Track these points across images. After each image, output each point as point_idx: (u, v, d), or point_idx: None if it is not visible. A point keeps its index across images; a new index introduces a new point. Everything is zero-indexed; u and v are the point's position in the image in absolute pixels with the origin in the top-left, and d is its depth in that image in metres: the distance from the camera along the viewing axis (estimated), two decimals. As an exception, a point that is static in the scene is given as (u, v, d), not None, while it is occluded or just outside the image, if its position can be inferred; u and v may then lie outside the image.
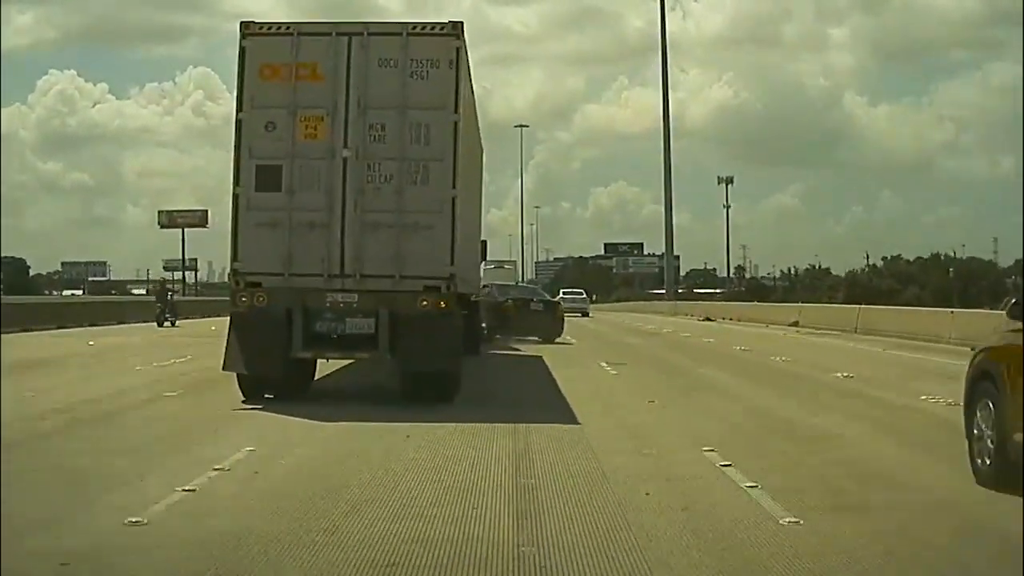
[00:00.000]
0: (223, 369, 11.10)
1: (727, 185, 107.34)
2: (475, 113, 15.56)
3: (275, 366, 10.99)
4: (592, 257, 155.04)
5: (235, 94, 11.15)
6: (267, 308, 10.94)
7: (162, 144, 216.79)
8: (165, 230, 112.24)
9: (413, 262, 10.95)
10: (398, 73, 11.03)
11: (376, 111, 11.02)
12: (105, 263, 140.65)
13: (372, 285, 10.99)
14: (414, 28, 11.19)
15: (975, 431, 6.85)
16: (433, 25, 11.20)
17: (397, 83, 10.99)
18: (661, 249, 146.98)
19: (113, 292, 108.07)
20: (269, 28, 11.33)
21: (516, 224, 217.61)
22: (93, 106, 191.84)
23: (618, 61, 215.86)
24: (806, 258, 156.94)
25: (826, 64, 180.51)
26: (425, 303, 10.88)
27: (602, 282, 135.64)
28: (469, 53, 12.13)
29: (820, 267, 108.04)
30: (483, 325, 21.76)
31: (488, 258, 29.89)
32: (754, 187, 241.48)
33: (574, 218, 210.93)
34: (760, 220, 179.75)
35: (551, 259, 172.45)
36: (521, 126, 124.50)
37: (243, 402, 10.92)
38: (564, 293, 59.85)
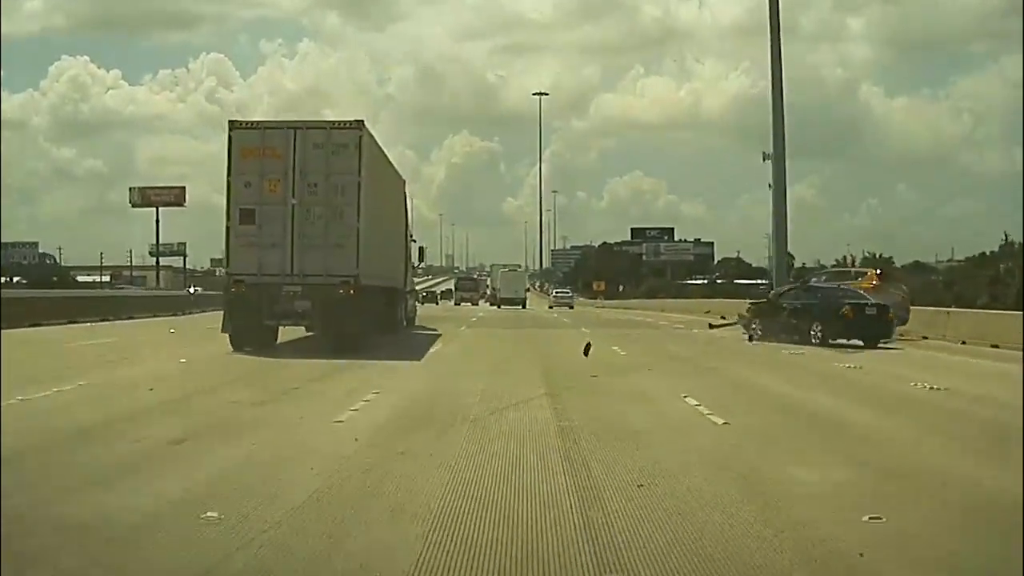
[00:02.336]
0: (221, 331, 18.68)
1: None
2: (388, 164, 23.34)
3: (252, 330, 18.57)
4: (618, 243, 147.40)
5: (226, 164, 18.68)
6: (247, 295, 18.51)
7: (176, 131, 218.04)
8: (137, 209, 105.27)
9: (334, 267, 18.51)
10: (324, 152, 18.61)
11: (311, 175, 18.59)
12: (34, 245, 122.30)
13: (309, 281, 18.56)
14: (333, 124, 18.83)
15: None
16: (345, 122, 18.75)
17: (323, 159, 18.57)
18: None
19: (54, 280, 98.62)
20: (246, 124, 18.97)
21: (532, 212, 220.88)
22: (106, 92, 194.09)
23: (634, 50, 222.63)
24: (823, 250, 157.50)
25: (843, 55, 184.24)
26: (341, 291, 18.38)
27: (631, 271, 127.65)
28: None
29: (879, 257, 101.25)
30: (409, 309, 30.05)
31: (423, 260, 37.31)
32: (767, 178, 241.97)
33: (590, 208, 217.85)
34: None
35: (568, 247, 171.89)
36: (540, 94, 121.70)
37: (231, 352, 18.37)
38: (556, 292, 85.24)
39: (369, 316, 20.00)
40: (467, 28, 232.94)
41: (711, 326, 32.38)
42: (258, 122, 19.10)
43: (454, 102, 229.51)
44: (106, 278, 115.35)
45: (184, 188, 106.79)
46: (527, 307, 67.80)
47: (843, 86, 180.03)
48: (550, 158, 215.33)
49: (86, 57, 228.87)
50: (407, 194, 28.27)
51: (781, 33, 29.84)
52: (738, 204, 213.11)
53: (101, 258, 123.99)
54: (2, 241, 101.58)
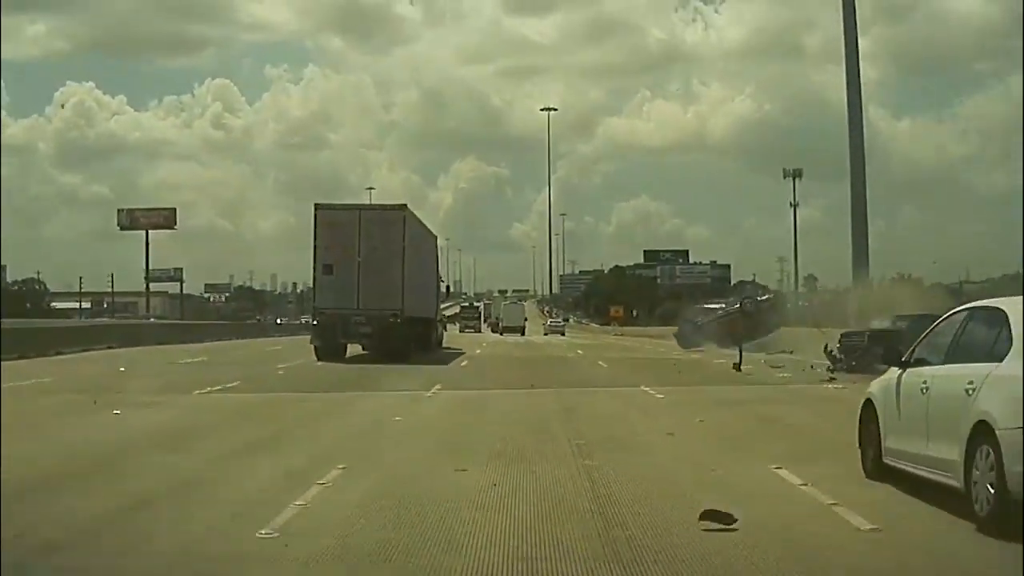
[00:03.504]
0: (311, 343, 28.11)
1: (794, 180, 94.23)
2: (424, 228, 33.45)
3: (331, 346, 27.99)
4: (632, 267, 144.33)
5: (312, 236, 28.09)
6: (327, 321, 27.95)
7: (181, 157, 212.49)
8: (126, 232, 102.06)
9: (386, 303, 28.14)
10: (379, 226, 28.23)
11: (370, 241, 28.15)
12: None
13: (370, 313, 28.18)
14: (385, 207, 28.60)
15: None
16: (393, 206, 28.53)
17: (378, 231, 28.30)
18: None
19: (27, 307, 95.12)
20: (327, 206, 28.57)
21: (538, 237, 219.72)
22: (111, 118, 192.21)
23: (639, 73, 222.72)
24: (833, 271, 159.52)
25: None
26: (391, 319, 27.74)
27: (646, 295, 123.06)
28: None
29: (909, 276, 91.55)
30: (439, 333, 40.02)
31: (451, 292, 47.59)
32: (776, 200, 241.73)
33: (598, 232, 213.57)
34: (783, 234, 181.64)
35: (576, 272, 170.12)
36: (548, 109, 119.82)
37: (317, 360, 27.65)
38: (550, 322, 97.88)
39: (411, 337, 29.66)
40: (472, 51, 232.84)
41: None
42: (335, 204, 28.84)
43: (460, 126, 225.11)
44: (87, 305, 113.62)
45: (175, 210, 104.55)
46: (525, 334, 78.05)
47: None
48: (557, 183, 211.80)
49: (91, 83, 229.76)
50: (438, 246, 37.80)
51: (860, 68, 25.70)
52: (746, 227, 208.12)
53: (80, 283, 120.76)
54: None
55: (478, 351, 39.72)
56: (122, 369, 23.55)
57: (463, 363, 29.78)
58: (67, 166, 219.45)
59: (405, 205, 29.63)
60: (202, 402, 17.04)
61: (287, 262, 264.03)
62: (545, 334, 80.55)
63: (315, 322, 29.00)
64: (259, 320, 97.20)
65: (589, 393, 19.07)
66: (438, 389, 19.44)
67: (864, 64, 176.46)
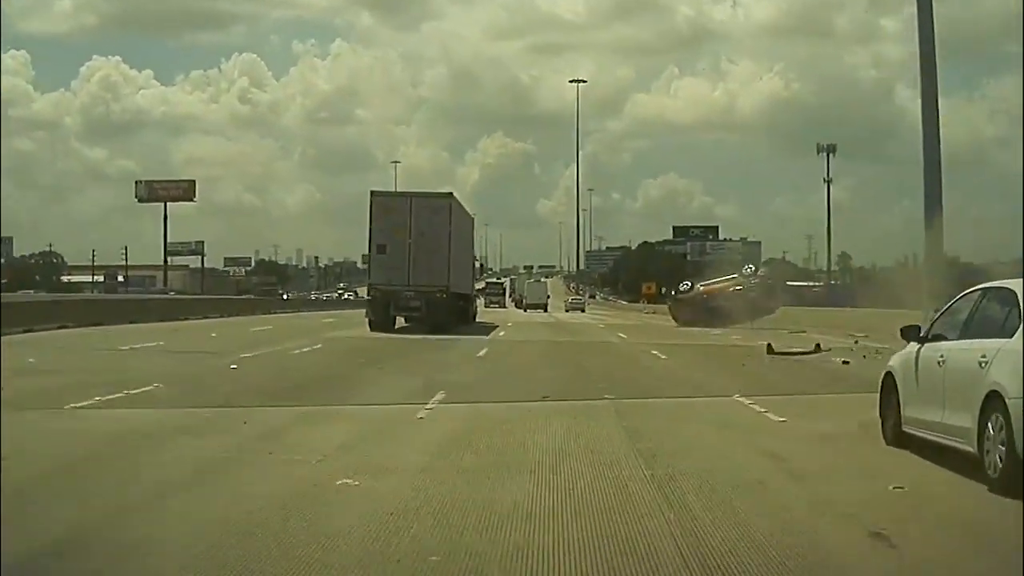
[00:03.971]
0: (366, 316, 31.45)
1: (828, 155, 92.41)
2: (465, 213, 36.25)
3: (384, 319, 31.31)
4: (660, 243, 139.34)
5: (368, 219, 31.34)
6: (380, 296, 31.21)
7: (208, 131, 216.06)
8: (150, 205, 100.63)
9: (434, 280, 31.05)
10: (428, 211, 31.25)
11: (420, 225, 31.17)
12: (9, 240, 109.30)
13: (420, 288, 31.09)
14: (432, 195, 31.62)
15: None
16: (441, 194, 31.62)
17: (427, 216, 31.22)
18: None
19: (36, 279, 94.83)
20: (382, 193, 31.78)
21: (565, 213, 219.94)
22: (138, 92, 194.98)
23: (668, 51, 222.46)
24: (857, 249, 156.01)
25: (877, 56, 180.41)
26: (438, 295, 31.01)
27: (674, 271, 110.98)
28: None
29: (944, 256, 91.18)
30: (474, 308, 42.69)
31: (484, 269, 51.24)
32: (805, 179, 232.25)
33: (624, 209, 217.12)
34: (812, 213, 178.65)
35: (604, 248, 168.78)
36: (577, 81, 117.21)
37: (371, 331, 30.94)
38: (571, 299, 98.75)
39: (454, 311, 32.68)
40: (500, 27, 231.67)
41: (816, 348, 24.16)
42: (389, 192, 32.05)
43: (488, 102, 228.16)
44: (99, 278, 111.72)
45: (194, 182, 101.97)
46: (548, 310, 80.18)
47: (878, 87, 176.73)
48: (584, 159, 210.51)
49: (118, 57, 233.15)
50: (473, 226, 41.08)
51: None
52: (774, 205, 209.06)
53: (93, 256, 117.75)
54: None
55: (509, 324, 41.30)
56: None
57: (501, 333, 32.95)
58: (93, 141, 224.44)
59: (452, 193, 32.90)
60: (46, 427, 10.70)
61: (313, 237, 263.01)
62: (566, 311, 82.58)
63: (370, 296, 32.18)
64: (274, 292, 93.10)
65: (666, 411, 13.01)
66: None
67: (894, 44, 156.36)
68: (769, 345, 24.06)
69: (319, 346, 24.17)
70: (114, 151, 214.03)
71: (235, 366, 17.72)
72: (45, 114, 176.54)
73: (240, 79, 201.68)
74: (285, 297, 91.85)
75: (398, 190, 33.19)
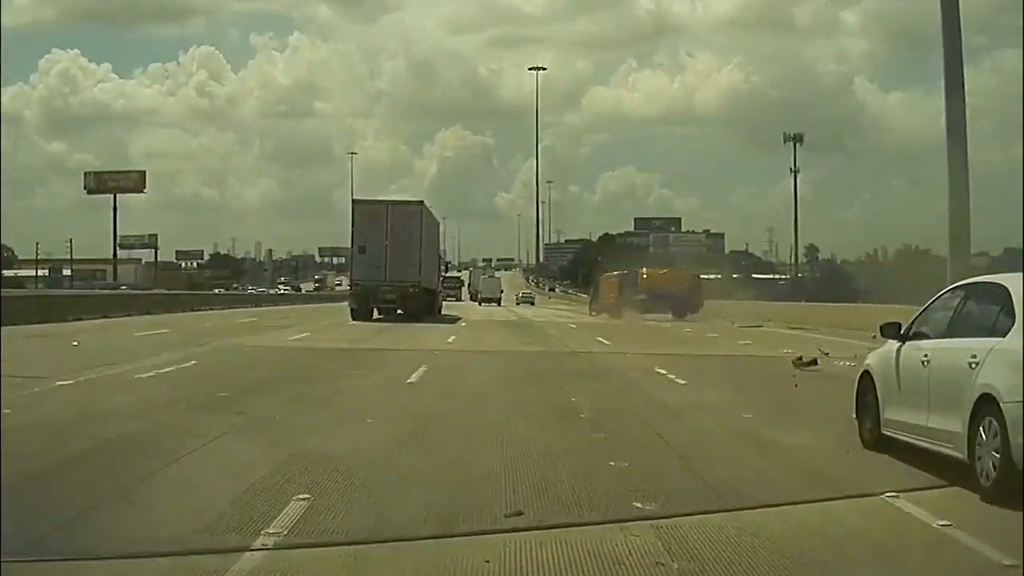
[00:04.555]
0: (348, 305, 36.12)
1: (795, 144, 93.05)
2: (433, 217, 40.28)
3: (364, 309, 36.03)
4: (622, 234, 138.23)
5: (350, 223, 36.10)
6: (361, 290, 35.73)
7: (166, 125, 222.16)
8: (93, 196, 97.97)
9: (407, 277, 34.98)
10: (403, 216, 35.37)
11: (395, 228, 35.47)
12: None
13: (395, 284, 35.16)
14: (407, 203, 36.39)
15: None
16: (413, 202, 36.26)
17: (401, 220, 35.17)
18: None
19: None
20: (363, 201, 36.56)
21: (524, 207, 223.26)
22: (96, 85, 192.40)
23: (627, 44, 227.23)
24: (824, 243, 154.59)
25: (838, 49, 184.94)
26: (411, 289, 35.81)
27: (637, 264, 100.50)
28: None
29: (917, 248, 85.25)
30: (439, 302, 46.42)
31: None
32: (764, 173, 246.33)
33: (583, 202, 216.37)
34: (770, 206, 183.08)
35: (563, 241, 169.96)
36: (537, 68, 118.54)
37: (352, 320, 35.63)
38: (522, 292, 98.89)
39: (424, 303, 36.94)
40: (459, 20, 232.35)
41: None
42: (369, 200, 36.78)
43: (446, 95, 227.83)
44: (43, 272, 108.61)
45: (144, 173, 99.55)
46: (502, 303, 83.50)
47: (838, 80, 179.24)
48: (543, 152, 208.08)
49: (76, 50, 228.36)
50: (439, 228, 46.23)
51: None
52: (733, 199, 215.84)
53: (37, 249, 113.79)
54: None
55: (462, 327, 35.27)
56: None
57: (450, 339, 26.63)
58: (52, 134, 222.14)
59: (423, 201, 37.48)
60: None
61: (272, 231, 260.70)
62: (517, 303, 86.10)
63: (352, 290, 36.67)
64: (228, 287, 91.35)
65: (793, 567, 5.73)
66: (420, 375, 16.68)
67: (854, 37, 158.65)
68: (800, 357, 19.08)
69: (193, 363, 18.14)
70: (73, 145, 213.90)
71: (8, 411, 10.80)
72: (4, 107, 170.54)
73: (198, 72, 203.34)
74: (217, 292, 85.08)
75: (377, 198, 38.27)
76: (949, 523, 6.66)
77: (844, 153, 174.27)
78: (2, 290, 37.42)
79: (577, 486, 7.74)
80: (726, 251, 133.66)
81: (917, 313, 9.38)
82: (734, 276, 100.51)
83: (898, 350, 9.13)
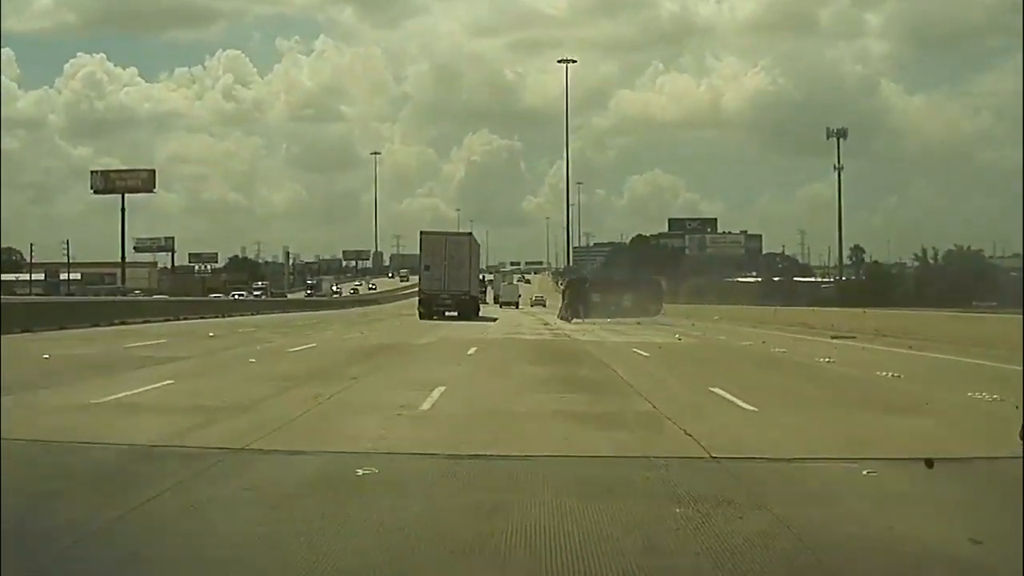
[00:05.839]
0: (417, 309, 50.54)
1: (838, 139, 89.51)
2: (476, 245, 55.83)
3: (430, 312, 50.38)
4: (655, 236, 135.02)
5: (419, 251, 50.70)
6: (427, 298, 50.25)
7: (193, 129, 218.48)
8: (102, 196, 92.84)
9: (461, 288, 49.92)
10: (455, 244, 50.57)
11: (451, 253, 50.23)
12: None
13: (452, 294, 50.03)
14: (459, 234, 51.61)
15: None
16: (464, 233, 51.54)
17: (456, 247, 50.32)
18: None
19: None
20: (427, 233, 51.32)
21: (551, 211, 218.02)
22: (122, 89, 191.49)
23: (652, 47, 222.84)
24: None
25: (862, 51, 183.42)
26: (464, 298, 50.14)
27: (671, 267, 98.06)
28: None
29: (968, 249, 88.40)
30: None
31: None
32: (791, 176, 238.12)
33: (609, 205, 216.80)
34: (797, 210, 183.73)
35: (591, 244, 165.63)
36: (566, 61, 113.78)
37: (420, 320, 49.52)
38: (536, 296, 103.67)
39: (472, 307, 51.23)
40: (483, 24, 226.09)
41: None
42: (432, 232, 51.44)
43: (472, 99, 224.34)
44: (39, 276, 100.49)
45: (153, 171, 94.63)
46: (519, 306, 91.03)
47: (862, 82, 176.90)
48: (570, 155, 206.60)
49: (102, 54, 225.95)
50: (480, 250, 61.13)
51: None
52: (760, 202, 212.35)
53: (31, 252, 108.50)
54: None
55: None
56: None
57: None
58: (77, 139, 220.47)
59: (471, 233, 52.78)
60: None
61: (299, 235, 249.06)
62: (532, 306, 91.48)
63: (420, 298, 49.83)
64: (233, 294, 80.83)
65: None
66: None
67: (876, 40, 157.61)
68: None
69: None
70: (99, 149, 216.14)
71: None
72: (28, 112, 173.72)
73: (224, 76, 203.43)
74: (235, 296, 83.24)
75: (438, 231, 53.18)
76: None
77: (868, 156, 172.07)
78: (1, 296, 37.42)
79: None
80: (764, 251, 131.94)
81: None
82: (775, 279, 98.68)
83: None
